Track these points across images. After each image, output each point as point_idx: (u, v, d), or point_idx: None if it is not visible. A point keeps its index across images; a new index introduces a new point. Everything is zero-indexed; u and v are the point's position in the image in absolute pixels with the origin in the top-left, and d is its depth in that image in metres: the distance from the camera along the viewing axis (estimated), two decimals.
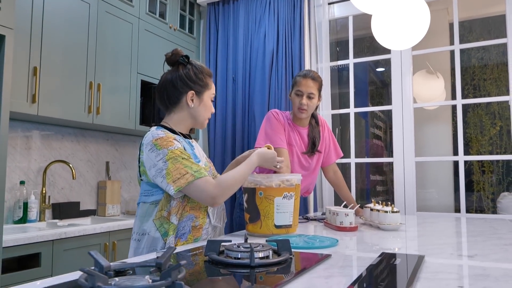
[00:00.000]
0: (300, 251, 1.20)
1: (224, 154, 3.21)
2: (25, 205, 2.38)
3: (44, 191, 2.52)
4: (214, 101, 3.33)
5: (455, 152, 2.63)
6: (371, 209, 1.85)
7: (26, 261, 1.97)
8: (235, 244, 1.11)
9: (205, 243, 1.36)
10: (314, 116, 2.21)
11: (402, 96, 2.82)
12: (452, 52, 2.71)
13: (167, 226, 1.34)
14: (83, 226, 2.25)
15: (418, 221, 2.11)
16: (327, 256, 1.13)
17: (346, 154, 2.99)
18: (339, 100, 3.30)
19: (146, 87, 2.96)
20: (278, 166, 1.60)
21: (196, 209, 1.41)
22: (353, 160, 2.95)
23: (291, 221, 1.55)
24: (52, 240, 2.04)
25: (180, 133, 1.50)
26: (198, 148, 1.55)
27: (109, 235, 2.33)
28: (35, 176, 2.54)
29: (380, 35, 2.14)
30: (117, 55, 2.72)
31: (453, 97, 2.64)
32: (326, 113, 2.99)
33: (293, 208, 1.56)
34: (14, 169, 2.44)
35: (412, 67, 2.83)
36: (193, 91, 1.47)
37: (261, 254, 1.06)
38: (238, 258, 1.04)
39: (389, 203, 1.84)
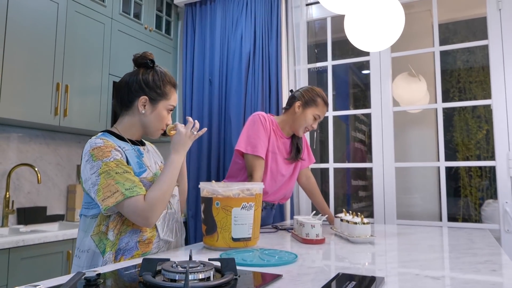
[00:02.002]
0: (252, 270, 1.12)
1: (199, 157, 3.12)
2: None
3: (7, 196, 2.42)
4: (190, 103, 3.24)
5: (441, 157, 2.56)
6: (341, 220, 1.78)
7: None
8: (174, 263, 1.02)
9: (158, 255, 1.28)
10: None
11: (381, 99, 2.75)
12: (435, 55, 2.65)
13: (106, 242, 1.25)
14: (45, 233, 2.15)
15: (394, 232, 2.03)
16: (277, 277, 1.05)
17: (325, 159, 2.91)
18: None
19: None
20: (194, 133, 1.40)
21: None
22: (331, 165, 2.87)
23: (250, 234, 1.47)
24: (9, 248, 1.94)
25: (129, 139, 1.41)
26: (150, 155, 1.47)
27: (73, 243, 2.23)
28: None
29: (353, 36, 2.06)
30: (88, 55, 2.62)
31: (436, 100, 2.57)
32: None
33: (252, 220, 1.47)
34: None
35: (391, 70, 2.76)
36: (146, 97, 1.38)
37: (201, 276, 0.98)
38: (175, 280, 0.96)
39: (359, 213, 1.76)
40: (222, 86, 3.12)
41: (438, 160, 2.61)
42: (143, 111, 1.39)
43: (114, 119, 2.86)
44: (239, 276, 1.04)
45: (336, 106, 3.36)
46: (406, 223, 2.62)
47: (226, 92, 3.10)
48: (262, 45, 2.98)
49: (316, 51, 3.22)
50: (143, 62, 1.42)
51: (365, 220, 1.67)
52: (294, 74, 2.97)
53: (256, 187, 1.51)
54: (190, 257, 1.09)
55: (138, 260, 1.23)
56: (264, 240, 1.71)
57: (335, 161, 2.89)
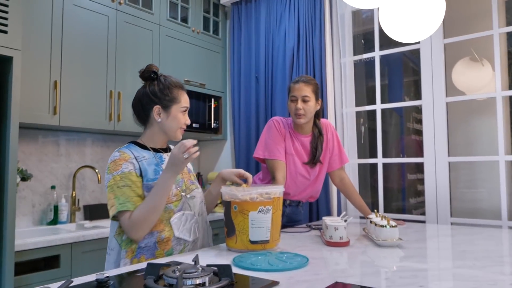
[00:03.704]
0: (256, 274, 1.15)
1: (248, 154, 3.18)
2: (56, 208, 2.58)
3: (74, 195, 2.71)
4: (238, 102, 3.31)
5: None
6: (370, 222, 1.72)
7: (48, 262, 2.13)
8: (177, 268, 1.09)
9: (174, 258, 1.37)
10: (317, 125, 2.11)
11: (433, 90, 2.56)
12: (502, 36, 2.38)
13: (125, 241, 1.40)
14: (103, 228, 2.38)
15: (432, 234, 1.92)
16: (273, 284, 1.07)
17: (374, 154, 2.81)
18: (370, 95, 3.09)
19: None
20: (185, 156, 1.34)
21: (157, 224, 1.42)
22: (380, 160, 2.76)
23: (268, 237, 1.49)
24: (71, 242, 2.18)
25: (152, 148, 1.52)
26: None
27: None
28: (66, 180, 2.73)
29: (389, 28, 1.96)
30: (138, 62, 2.81)
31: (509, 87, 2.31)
32: (350, 110, 2.82)
33: (270, 223, 1.49)
34: (47, 175, 2.65)
35: (443, 57, 2.55)
36: (158, 106, 1.49)
37: (198, 281, 1.03)
38: (172, 285, 1.02)
39: (383, 215, 1.69)
40: (268, 83, 3.14)
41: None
42: (159, 120, 1.49)
43: None
44: (236, 282, 1.07)
45: (388, 97, 3.20)
46: (461, 222, 2.43)
47: (272, 89, 3.12)
48: (306, 39, 2.94)
49: (363, 42, 3.08)
50: (148, 76, 1.53)
51: (393, 223, 1.60)
52: (340, 67, 2.89)
53: (276, 190, 1.53)
54: (195, 262, 1.15)
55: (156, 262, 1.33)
56: (288, 241, 1.72)
57: (387, 155, 2.76)
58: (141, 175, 1.43)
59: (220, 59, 3.48)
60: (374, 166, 2.83)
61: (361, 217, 2.44)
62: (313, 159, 2.07)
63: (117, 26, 2.69)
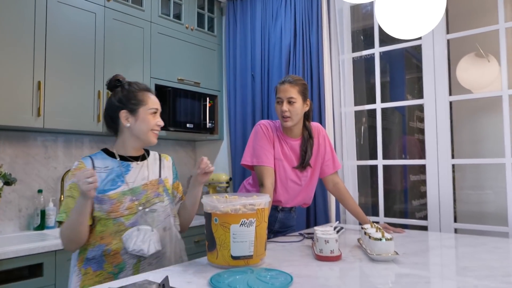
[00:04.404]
0: None
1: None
2: (43, 213, 2.50)
3: (62, 198, 2.63)
4: (234, 100, 3.20)
5: None
6: (365, 233, 1.60)
7: (31, 270, 2.05)
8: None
9: (148, 276, 1.27)
10: (307, 127, 2.00)
11: (435, 88, 2.43)
12: (509, 31, 2.23)
13: (81, 248, 1.42)
14: None
15: (434, 245, 1.80)
16: None
17: (375, 155, 2.68)
18: (371, 94, 2.96)
19: (161, 91, 2.93)
20: (84, 188, 1.23)
21: (105, 237, 1.38)
22: (380, 162, 2.63)
23: (251, 251, 1.38)
24: (55, 250, 2.10)
25: (122, 156, 1.49)
26: (142, 169, 1.50)
27: None
28: (54, 183, 2.65)
29: (386, 23, 1.83)
30: (128, 61, 2.70)
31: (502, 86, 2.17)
32: (349, 110, 2.70)
33: (254, 237, 1.38)
34: (35, 178, 2.56)
35: (447, 53, 2.41)
36: (125, 110, 1.46)
37: None
38: None
39: (379, 227, 1.57)
40: (264, 81, 3.03)
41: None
42: (128, 124, 1.46)
43: None
44: None
45: (390, 95, 3.07)
46: (465, 228, 2.31)
47: (268, 87, 3.00)
48: (303, 36, 2.81)
49: (363, 38, 2.95)
50: (113, 85, 1.51)
51: (388, 235, 1.48)
52: (338, 65, 2.76)
53: (260, 201, 1.42)
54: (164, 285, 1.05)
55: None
56: (276, 253, 1.61)
57: (389, 155, 2.64)
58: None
59: (216, 56, 3.37)
60: (374, 167, 2.71)
61: (361, 224, 2.32)
62: (303, 163, 1.96)
63: (105, 23, 2.59)
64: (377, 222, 2.60)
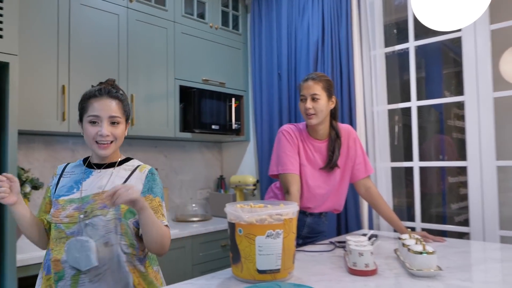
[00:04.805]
0: None
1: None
2: None
3: None
4: (260, 100, 3.10)
5: None
6: (403, 244, 1.47)
7: None
8: None
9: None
10: (334, 127, 1.91)
11: (477, 84, 2.24)
12: None
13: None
14: None
15: (476, 258, 1.63)
16: None
17: (409, 156, 2.52)
18: (405, 91, 2.79)
19: (186, 92, 2.87)
20: None
21: (51, 242, 1.34)
22: (416, 164, 2.46)
23: (278, 265, 1.28)
24: None
25: (95, 163, 1.43)
26: (102, 178, 1.38)
27: None
28: None
29: (424, 15, 1.68)
30: (152, 63, 2.66)
31: None
32: (381, 108, 2.54)
33: (281, 249, 1.28)
34: None
35: (490, 46, 2.22)
36: (78, 119, 1.42)
37: None
38: None
39: (419, 238, 1.43)
40: (291, 79, 2.91)
41: None
42: (82, 134, 1.40)
43: (185, 123, 2.88)
44: None
45: (426, 92, 2.88)
46: None
47: (295, 86, 2.89)
48: (331, 31, 2.68)
49: (396, 32, 2.78)
50: None
51: (430, 248, 1.34)
52: (369, 61, 2.61)
53: (288, 211, 1.31)
54: None
55: None
56: (305, 265, 1.50)
57: (425, 157, 2.47)
58: (55, 190, 1.40)
59: (241, 55, 3.28)
60: (409, 169, 2.54)
61: (395, 231, 2.18)
62: (330, 163, 1.87)
63: (128, 25, 2.54)
64: (414, 229, 2.44)
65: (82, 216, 1.30)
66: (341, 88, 2.63)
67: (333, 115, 1.91)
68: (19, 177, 2.10)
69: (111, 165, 1.41)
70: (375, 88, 2.56)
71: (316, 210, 1.96)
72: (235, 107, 3.14)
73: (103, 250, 1.29)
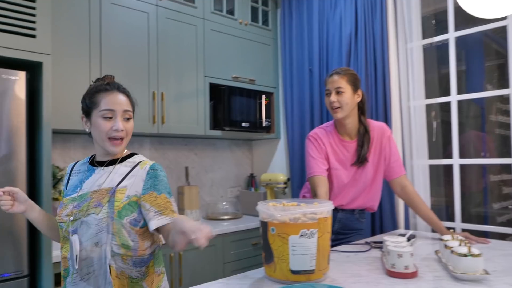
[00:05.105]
0: None
1: (303, 153, 2.91)
2: None
3: None
4: (291, 97, 3.05)
5: None
6: (445, 246, 1.38)
7: None
8: None
9: None
10: (362, 122, 1.90)
11: None
12: None
13: None
14: None
15: None
16: None
17: (448, 155, 2.40)
18: (443, 85, 2.66)
19: (215, 89, 2.85)
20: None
21: (60, 240, 1.33)
22: (456, 161, 2.34)
23: (313, 266, 1.23)
24: None
25: (98, 161, 1.38)
26: (104, 176, 1.32)
27: None
28: None
29: (467, 2, 1.58)
30: (181, 61, 2.65)
31: None
32: (418, 103, 2.43)
33: (315, 249, 1.23)
34: None
35: None
36: (83, 115, 1.35)
37: None
38: None
39: (462, 239, 1.34)
40: (323, 75, 2.84)
41: None
42: (87, 130, 1.34)
43: (215, 120, 2.86)
44: None
45: (466, 85, 2.73)
46: None
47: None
48: (365, 23, 2.58)
49: (434, 22, 2.65)
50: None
51: (475, 250, 1.25)
52: (405, 54, 2.50)
53: (323, 210, 1.26)
54: None
55: None
56: (340, 266, 1.44)
57: (465, 154, 2.34)
58: (66, 190, 1.40)
59: (271, 51, 3.23)
60: (448, 167, 2.42)
61: (433, 230, 2.08)
62: (359, 158, 1.86)
63: (158, 23, 2.55)
64: (453, 229, 2.32)
65: (76, 215, 1.26)
66: (376, 82, 2.54)
67: (361, 109, 1.91)
68: (53, 175, 2.15)
69: (114, 162, 1.35)
70: (411, 82, 2.45)
71: (347, 207, 1.95)
72: (265, 104, 3.10)
73: (93, 250, 1.23)
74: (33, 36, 1.77)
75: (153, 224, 1.24)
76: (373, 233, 2.47)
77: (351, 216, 1.98)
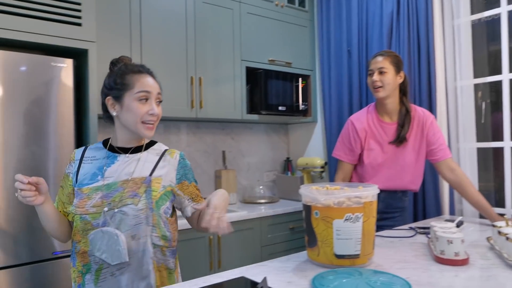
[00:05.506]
0: None
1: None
2: None
3: None
4: (328, 79, 2.98)
5: None
6: (499, 232, 1.31)
7: None
8: None
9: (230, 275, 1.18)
10: (404, 103, 1.91)
11: None
12: None
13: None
14: None
15: None
16: None
17: (499, 137, 2.27)
18: (492, 63, 2.50)
19: (252, 73, 2.83)
20: (19, 198, 1.12)
21: (76, 233, 1.24)
22: (508, 144, 2.21)
23: (358, 250, 1.20)
24: None
25: (119, 147, 1.30)
26: (128, 164, 1.26)
27: None
28: None
29: None
30: (218, 45, 2.64)
31: None
32: (466, 83, 2.30)
33: (360, 234, 1.20)
34: None
35: None
36: (110, 97, 1.25)
37: None
38: None
39: None
40: (362, 56, 2.75)
41: None
42: (114, 113, 1.25)
43: (252, 104, 2.85)
44: None
45: None
46: None
47: (366, 62, 2.72)
48: (408, 0, 2.46)
49: None
50: (110, 67, 1.32)
51: None
52: (452, 31, 2.37)
53: (368, 194, 1.22)
54: None
55: None
56: (385, 252, 1.40)
57: None
58: (76, 179, 1.27)
59: (308, 33, 3.16)
60: (497, 150, 2.29)
61: (481, 216, 1.99)
62: (398, 137, 1.87)
63: (195, 7, 2.54)
64: (503, 215, 2.21)
65: (109, 206, 1.19)
66: (419, 62, 2.42)
67: (403, 91, 1.92)
68: None
69: (138, 149, 1.30)
70: (458, 61, 2.32)
71: (386, 188, 1.94)
72: (302, 88, 3.05)
73: (129, 243, 1.18)
74: (79, 25, 1.81)
75: (188, 211, 1.32)
76: (415, 219, 2.40)
77: (394, 195, 1.98)
